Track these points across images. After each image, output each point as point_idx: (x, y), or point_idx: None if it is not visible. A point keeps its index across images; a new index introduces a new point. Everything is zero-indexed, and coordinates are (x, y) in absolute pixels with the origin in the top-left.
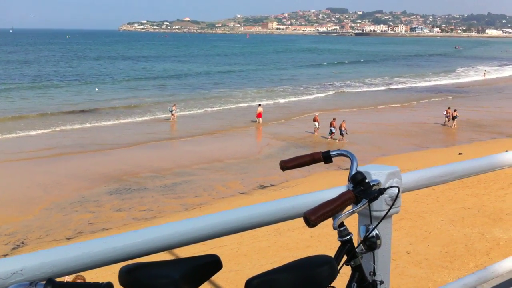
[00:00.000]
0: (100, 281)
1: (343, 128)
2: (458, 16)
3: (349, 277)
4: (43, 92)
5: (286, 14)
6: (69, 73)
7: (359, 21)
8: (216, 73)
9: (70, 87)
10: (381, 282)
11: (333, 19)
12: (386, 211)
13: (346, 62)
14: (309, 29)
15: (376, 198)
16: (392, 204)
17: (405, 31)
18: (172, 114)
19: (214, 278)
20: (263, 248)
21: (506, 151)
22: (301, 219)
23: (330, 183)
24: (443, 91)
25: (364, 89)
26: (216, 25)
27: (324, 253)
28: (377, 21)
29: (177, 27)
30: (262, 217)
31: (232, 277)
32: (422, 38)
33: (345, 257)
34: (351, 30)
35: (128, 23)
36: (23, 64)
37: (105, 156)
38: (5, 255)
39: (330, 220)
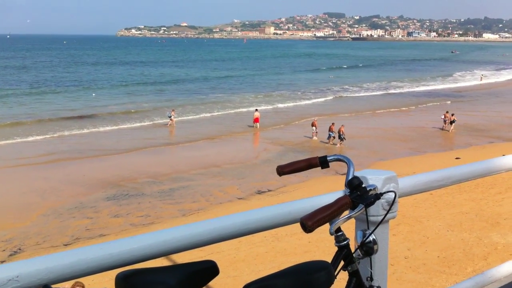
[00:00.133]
0: None
1: (341, 133)
2: (455, 21)
3: (346, 283)
4: (41, 98)
5: (283, 19)
6: (66, 79)
7: (356, 25)
8: (213, 78)
9: (68, 92)
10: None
11: (330, 23)
12: (383, 216)
13: (345, 66)
14: (306, 34)
15: (372, 203)
16: (389, 209)
17: (402, 36)
18: (171, 119)
19: (212, 284)
20: (261, 254)
21: (503, 155)
22: (299, 225)
23: (327, 188)
24: (441, 96)
25: (362, 93)
26: (214, 30)
27: (322, 259)
28: (374, 26)
29: (174, 32)
30: (259, 222)
31: (230, 283)
32: (419, 42)
33: (342, 263)
34: (348, 35)
35: (126, 28)
36: (20, 70)
37: (102, 161)
38: (2, 262)
39: (328, 225)
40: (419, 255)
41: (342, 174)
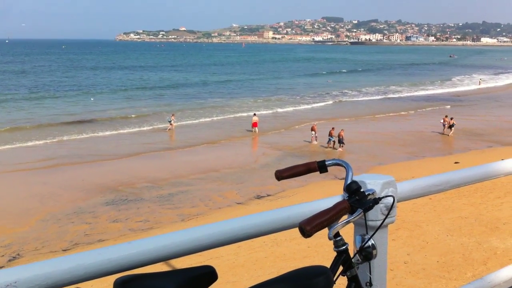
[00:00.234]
0: None
1: (341, 137)
2: (453, 25)
3: None
4: (40, 103)
5: (281, 23)
6: (65, 83)
7: (355, 30)
8: (212, 83)
9: (67, 97)
10: None
11: (328, 28)
12: (381, 221)
13: (345, 71)
14: (304, 38)
15: (371, 207)
16: (388, 214)
17: (400, 40)
18: (171, 124)
19: None
20: (260, 259)
21: (502, 159)
22: (298, 229)
23: (326, 193)
24: (440, 100)
25: (361, 98)
26: (212, 35)
27: (321, 264)
28: (372, 30)
29: (173, 36)
30: (257, 227)
31: None
32: (417, 46)
33: (341, 268)
34: (346, 39)
35: (124, 33)
36: (19, 75)
37: (101, 166)
38: (0, 267)
39: (327, 230)
40: (418, 260)
41: (341, 179)
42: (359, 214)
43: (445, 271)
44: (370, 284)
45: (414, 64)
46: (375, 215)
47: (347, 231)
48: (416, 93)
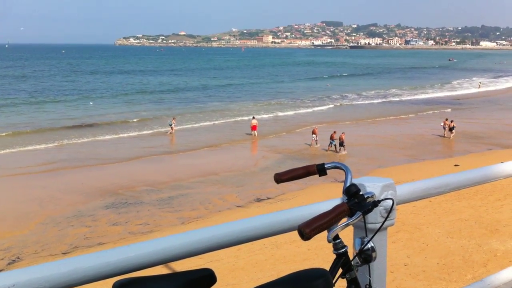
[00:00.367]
0: None
1: (342, 140)
2: (452, 29)
3: None
4: (40, 107)
5: (281, 28)
6: (65, 88)
7: (354, 34)
8: (212, 87)
9: (67, 101)
10: None
11: (328, 32)
12: (381, 224)
13: (346, 74)
14: (304, 42)
15: (370, 210)
16: (387, 217)
17: (399, 44)
18: (171, 127)
19: None
20: (260, 262)
21: (502, 162)
22: (297, 232)
23: (326, 196)
24: (440, 103)
25: (361, 101)
26: (212, 39)
27: (321, 266)
28: (372, 34)
29: (172, 41)
30: (257, 230)
31: None
32: (416, 50)
33: (340, 270)
34: (346, 43)
35: (124, 38)
36: (19, 79)
37: (101, 170)
38: (0, 271)
39: (327, 233)
40: (418, 262)
41: (341, 182)
42: (358, 216)
43: (445, 273)
44: (370, 287)
45: (414, 68)
46: (374, 217)
47: (347, 234)
48: (416, 97)
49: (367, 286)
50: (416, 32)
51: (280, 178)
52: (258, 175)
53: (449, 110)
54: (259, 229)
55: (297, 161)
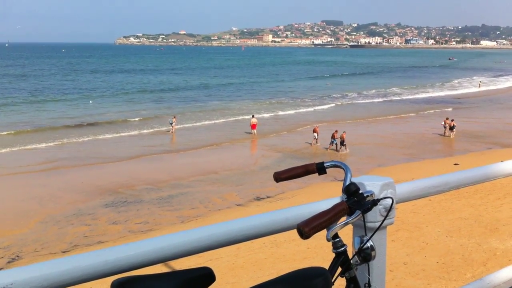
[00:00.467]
0: None
1: (343, 139)
2: (452, 28)
3: None
4: (40, 106)
5: (281, 27)
6: (65, 87)
7: (354, 33)
8: (212, 86)
9: (67, 100)
10: None
11: (328, 31)
12: (380, 222)
13: (346, 73)
14: (304, 42)
15: (369, 209)
16: (386, 215)
17: (400, 43)
18: (172, 126)
19: None
20: (259, 260)
21: (502, 161)
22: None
23: (326, 194)
24: (440, 103)
25: (362, 100)
26: (212, 38)
27: (321, 265)
28: (372, 33)
29: (173, 40)
30: (256, 229)
31: None
32: (417, 49)
33: (339, 269)
34: (346, 42)
35: (124, 37)
36: (19, 78)
37: (101, 169)
38: (0, 269)
39: (326, 232)
40: (418, 261)
41: (341, 180)
42: (358, 215)
43: (444, 272)
44: (369, 285)
45: (414, 67)
46: (373, 216)
47: (347, 233)
48: (416, 96)
49: (366, 285)
50: (416, 31)
51: (280, 176)
52: (258, 174)
53: (451, 109)
54: (258, 228)
55: (297, 160)
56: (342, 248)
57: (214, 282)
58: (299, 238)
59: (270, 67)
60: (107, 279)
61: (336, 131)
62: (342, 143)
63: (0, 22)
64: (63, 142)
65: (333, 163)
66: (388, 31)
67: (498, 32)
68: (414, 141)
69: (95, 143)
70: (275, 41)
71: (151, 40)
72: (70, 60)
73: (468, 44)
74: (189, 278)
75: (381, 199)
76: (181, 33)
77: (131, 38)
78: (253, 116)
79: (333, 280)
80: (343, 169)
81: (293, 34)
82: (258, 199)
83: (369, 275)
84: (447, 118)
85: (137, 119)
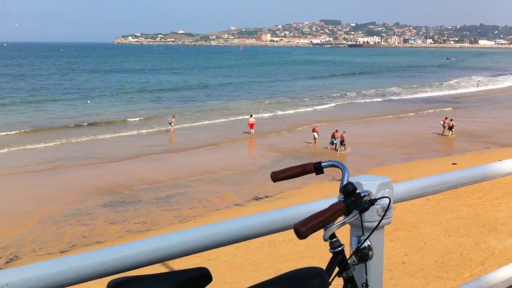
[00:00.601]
0: None
1: (343, 139)
2: (450, 27)
3: None
4: (38, 106)
5: (279, 26)
6: (64, 86)
7: (353, 32)
8: (211, 85)
9: (66, 100)
10: None
11: (326, 30)
12: (377, 222)
13: (345, 73)
14: (302, 41)
15: (367, 209)
16: (384, 215)
17: (398, 43)
18: (171, 126)
19: None
20: (258, 260)
21: (500, 160)
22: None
23: (324, 194)
24: (438, 102)
25: (360, 100)
26: (210, 37)
27: (319, 265)
28: (370, 33)
29: (171, 39)
30: (254, 228)
31: None
32: (415, 49)
33: (337, 269)
34: (344, 42)
35: (122, 36)
36: (17, 78)
37: (99, 169)
38: None
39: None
40: (416, 261)
41: (339, 180)
42: (355, 215)
43: (443, 271)
44: (366, 285)
45: (413, 67)
46: (371, 216)
47: (344, 232)
48: (415, 95)
49: (364, 284)
50: (415, 30)
51: (277, 176)
52: (256, 174)
53: (450, 109)
54: (256, 228)
55: (295, 160)
56: (340, 248)
57: (212, 282)
58: (297, 238)
59: (269, 67)
60: (105, 280)
61: (336, 130)
62: (341, 142)
63: None
64: (61, 142)
65: (330, 163)
66: (386, 30)
67: (496, 32)
68: (412, 141)
69: (93, 143)
70: (273, 41)
71: (149, 40)
72: (68, 60)
73: (466, 44)
74: (185, 279)
75: (378, 198)
76: (180, 32)
77: (129, 38)
78: (251, 116)
79: (330, 280)
80: (341, 168)
81: (292, 34)
82: (256, 199)
83: (366, 275)
84: (446, 118)
85: (136, 119)
